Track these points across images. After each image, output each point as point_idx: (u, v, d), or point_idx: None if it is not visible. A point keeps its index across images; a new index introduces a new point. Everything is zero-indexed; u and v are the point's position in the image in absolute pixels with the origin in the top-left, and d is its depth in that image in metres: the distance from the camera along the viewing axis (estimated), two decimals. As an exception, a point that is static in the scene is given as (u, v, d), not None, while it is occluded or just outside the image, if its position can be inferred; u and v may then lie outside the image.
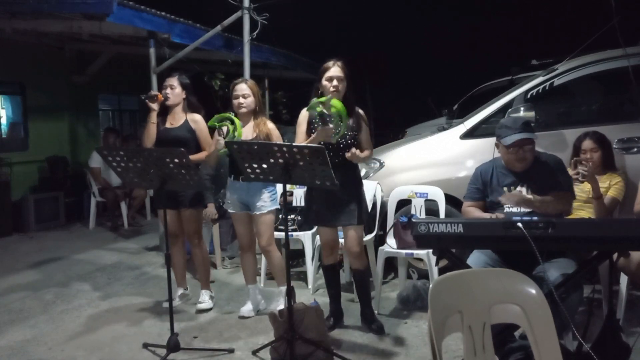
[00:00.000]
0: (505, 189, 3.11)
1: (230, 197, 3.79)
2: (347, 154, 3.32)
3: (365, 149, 3.48)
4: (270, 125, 3.77)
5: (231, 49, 6.79)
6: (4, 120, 7.92)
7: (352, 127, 3.44)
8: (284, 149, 2.87)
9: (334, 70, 3.39)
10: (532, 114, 4.15)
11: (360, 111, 3.54)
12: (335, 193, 3.34)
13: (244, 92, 3.71)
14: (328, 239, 3.60)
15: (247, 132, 3.72)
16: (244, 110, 3.71)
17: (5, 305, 4.27)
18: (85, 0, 5.14)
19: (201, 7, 8.45)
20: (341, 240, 3.74)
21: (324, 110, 3.23)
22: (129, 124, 10.75)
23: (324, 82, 3.41)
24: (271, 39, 7.44)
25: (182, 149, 3.15)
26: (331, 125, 3.23)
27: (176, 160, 3.11)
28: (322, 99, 3.28)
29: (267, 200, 3.69)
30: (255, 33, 5.49)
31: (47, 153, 7.95)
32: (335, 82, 3.38)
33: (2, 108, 7.88)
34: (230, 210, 3.84)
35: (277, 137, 3.73)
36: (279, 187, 3.72)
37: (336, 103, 3.24)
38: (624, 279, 3.40)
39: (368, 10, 14.74)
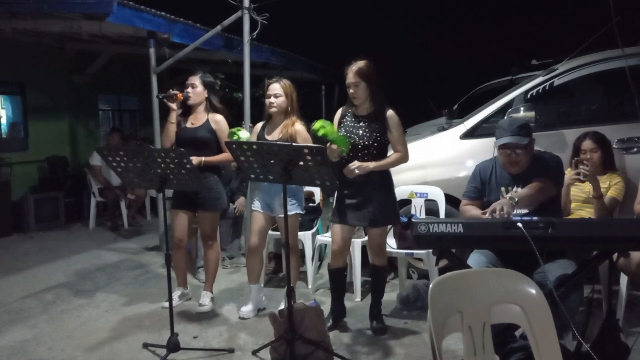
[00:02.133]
0: (502, 189, 3.09)
1: (256, 196, 3.81)
2: (346, 169, 3.34)
3: (396, 151, 3.44)
4: (298, 127, 3.66)
5: (231, 49, 6.79)
6: (4, 120, 7.91)
7: (374, 128, 3.41)
8: (284, 149, 2.88)
9: (348, 77, 3.40)
10: (532, 114, 4.15)
11: (389, 111, 3.45)
12: (361, 193, 3.38)
13: (276, 91, 3.68)
14: (344, 237, 3.55)
15: (276, 134, 3.71)
16: (274, 109, 3.68)
17: (5, 305, 4.27)
18: (85, 0, 5.14)
19: (201, 7, 8.46)
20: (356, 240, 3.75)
21: (324, 134, 3.25)
22: (129, 124, 10.75)
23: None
24: (271, 39, 7.44)
25: (182, 149, 3.15)
26: (334, 146, 3.27)
27: (176, 161, 3.11)
28: (315, 127, 3.27)
29: (290, 204, 3.68)
30: (255, 33, 5.49)
31: (47, 153, 7.95)
32: (351, 90, 3.40)
33: (2, 108, 7.88)
34: (253, 208, 3.84)
35: (303, 139, 3.61)
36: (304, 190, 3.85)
37: (324, 129, 3.23)
38: (624, 279, 3.40)
39: (368, 10, 14.75)
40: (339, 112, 3.58)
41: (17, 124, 8.04)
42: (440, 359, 1.75)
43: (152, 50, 5.77)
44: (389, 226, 3.64)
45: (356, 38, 13.69)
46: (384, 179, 3.49)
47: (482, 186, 3.18)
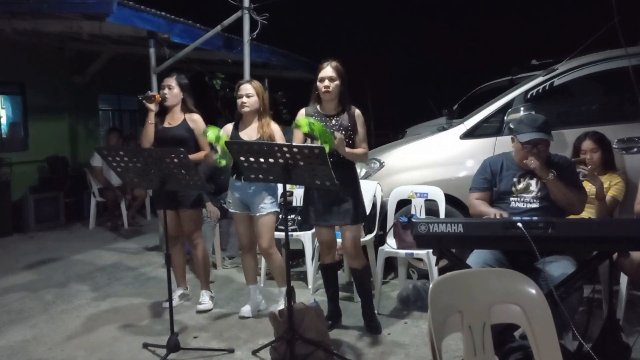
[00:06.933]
0: (515, 179, 3.15)
1: (231, 197, 3.81)
2: (335, 134, 3.30)
3: (360, 147, 3.48)
4: (274, 126, 3.78)
5: (231, 49, 6.79)
6: (4, 120, 7.92)
7: (347, 127, 3.46)
8: (284, 148, 2.88)
9: (326, 70, 3.44)
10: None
11: (357, 111, 3.53)
12: (332, 192, 3.36)
13: (248, 91, 3.75)
14: (325, 238, 3.61)
15: (251, 133, 3.74)
16: (246, 109, 3.74)
17: (5, 305, 4.27)
18: (85, 0, 5.14)
19: (201, 7, 8.46)
20: (339, 240, 3.75)
21: (309, 131, 3.24)
22: (129, 124, 10.75)
23: (318, 83, 3.46)
24: (271, 39, 7.44)
25: (182, 149, 3.15)
26: (318, 142, 3.26)
27: (176, 160, 3.11)
28: (302, 122, 3.23)
29: (268, 202, 3.69)
30: (255, 33, 5.49)
31: (47, 153, 7.95)
32: (326, 82, 3.42)
33: (2, 108, 7.88)
34: (230, 210, 3.85)
35: (280, 138, 3.72)
36: (280, 190, 3.73)
37: (316, 127, 3.21)
38: (624, 279, 3.40)
39: (368, 10, 14.74)
40: (302, 112, 3.57)
41: (17, 124, 8.04)
42: (440, 359, 1.75)
43: (152, 50, 5.78)
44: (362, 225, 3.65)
45: (356, 38, 13.69)
46: (353, 178, 3.53)
47: (493, 177, 3.24)
